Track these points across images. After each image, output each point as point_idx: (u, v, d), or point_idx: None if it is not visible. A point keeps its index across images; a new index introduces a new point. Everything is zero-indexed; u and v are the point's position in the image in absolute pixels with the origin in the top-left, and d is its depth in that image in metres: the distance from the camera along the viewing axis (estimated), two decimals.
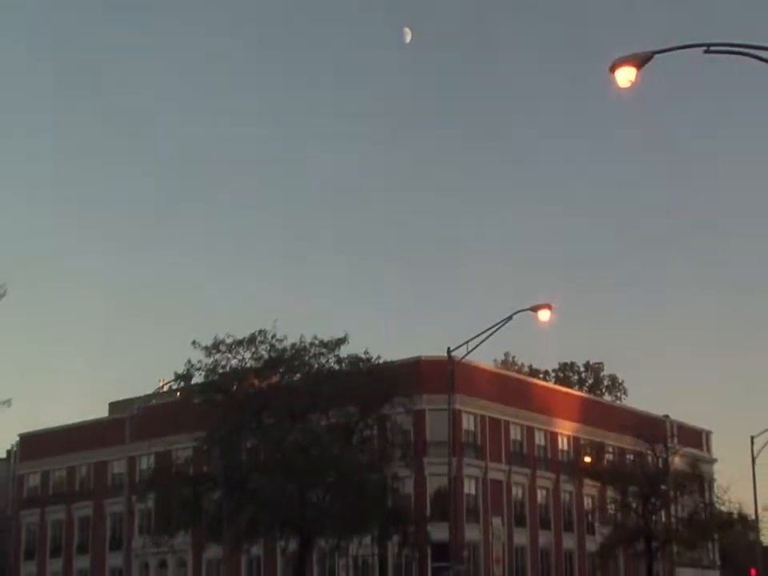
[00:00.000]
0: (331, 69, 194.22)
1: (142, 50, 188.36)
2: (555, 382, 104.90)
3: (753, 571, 77.01)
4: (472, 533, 72.69)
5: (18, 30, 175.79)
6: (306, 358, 54.33)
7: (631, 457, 77.48)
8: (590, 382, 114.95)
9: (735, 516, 75.11)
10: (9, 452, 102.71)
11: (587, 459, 76.28)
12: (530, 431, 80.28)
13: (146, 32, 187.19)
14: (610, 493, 75.61)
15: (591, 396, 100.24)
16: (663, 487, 69.56)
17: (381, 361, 56.46)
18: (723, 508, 74.02)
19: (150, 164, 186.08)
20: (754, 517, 73.31)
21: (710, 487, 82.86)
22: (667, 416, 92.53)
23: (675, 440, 79.98)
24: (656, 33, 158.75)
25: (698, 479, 76.00)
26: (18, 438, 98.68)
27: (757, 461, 67.39)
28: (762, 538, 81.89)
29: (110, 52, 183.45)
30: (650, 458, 72.44)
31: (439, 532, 58.60)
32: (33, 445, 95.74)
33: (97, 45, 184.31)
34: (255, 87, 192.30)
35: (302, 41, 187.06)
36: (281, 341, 54.11)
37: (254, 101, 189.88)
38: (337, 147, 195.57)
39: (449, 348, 48.09)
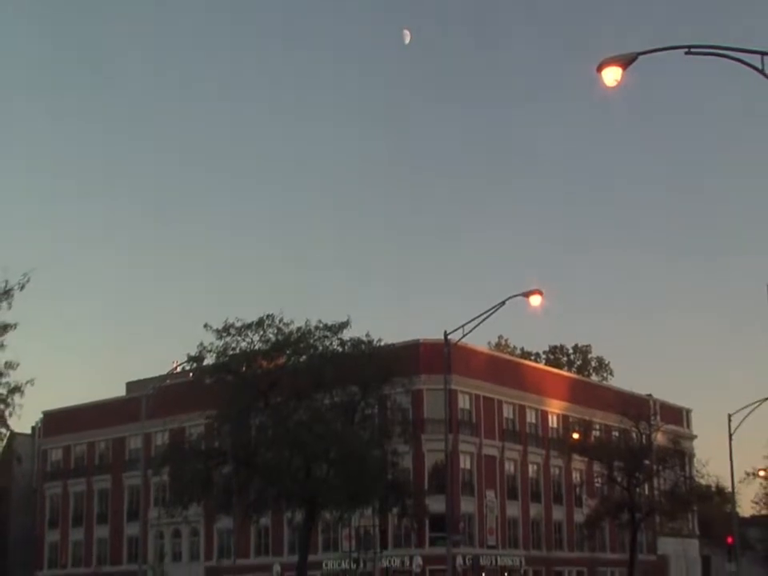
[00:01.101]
0: (332, 65, 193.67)
1: (143, 44, 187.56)
2: (546, 364, 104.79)
3: (729, 540, 76.99)
4: (467, 505, 72.74)
5: (17, 15, 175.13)
6: (311, 340, 54.12)
7: (617, 433, 77.46)
8: (579, 363, 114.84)
9: (713, 489, 75.16)
10: (33, 428, 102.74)
11: (575, 436, 76.19)
12: (521, 410, 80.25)
13: (147, 27, 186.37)
14: (596, 467, 75.61)
15: (579, 377, 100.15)
16: (646, 462, 69.52)
17: (381, 343, 56.27)
18: (702, 481, 74.06)
19: (156, 153, 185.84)
20: (730, 489, 73.22)
21: (690, 462, 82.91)
22: (650, 395, 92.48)
23: (658, 418, 80.00)
24: (660, 34, 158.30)
25: (679, 454, 76.01)
26: (41, 415, 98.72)
27: (733, 437, 67.17)
28: (738, 509, 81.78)
29: (110, 41, 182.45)
30: (634, 435, 72.38)
31: (436, 504, 58.66)
32: (55, 421, 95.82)
33: (98, 29, 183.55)
34: (255, 82, 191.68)
35: (302, 39, 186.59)
36: (287, 325, 53.93)
37: (254, 94, 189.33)
38: (337, 138, 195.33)
39: (445, 331, 47.87)
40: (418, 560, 69.84)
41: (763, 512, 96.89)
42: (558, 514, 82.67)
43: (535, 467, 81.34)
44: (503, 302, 44.43)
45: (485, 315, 44.90)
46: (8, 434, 42.93)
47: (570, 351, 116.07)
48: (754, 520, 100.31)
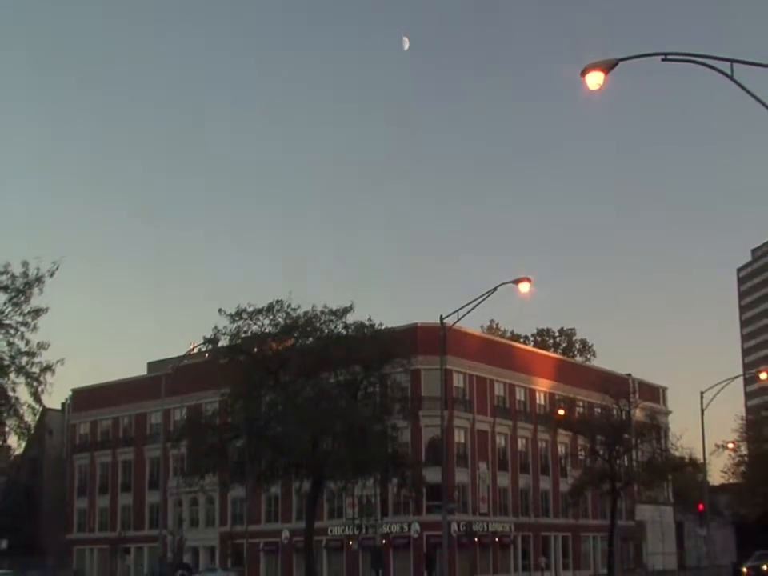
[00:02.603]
0: (332, 65, 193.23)
1: (141, 45, 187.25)
2: (534, 346, 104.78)
3: (700, 506, 76.96)
4: (461, 476, 72.80)
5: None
6: (317, 324, 53.80)
7: (599, 410, 77.30)
8: (564, 345, 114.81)
9: (686, 460, 75.06)
10: (63, 404, 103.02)
11: (561, 412, 76.06)
12: (511, 388, 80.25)
13: (147, 26, 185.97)
14: (580, 441, 75.60)
15: (565, 358, 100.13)
16: (626, 436, 69.41)
17: (382, 327, 55.98)
18: (676, 453, 73.91)
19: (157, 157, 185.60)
20: (702, 461, 73.16)
21: (666, 435, 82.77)
22: (629, 375, 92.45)
23: (636, 395, 79.85)
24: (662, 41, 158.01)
25: (656, 429, 75.91)
26: (71, 392, 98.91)
27: (705, 412, 67.02)
28: (709, 479, 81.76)
29: (110, 39, 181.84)
30: (614, 411, 72.24)
31: (433, 475, 58.57)
32: (83, 398, 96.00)
33: (102, 28, 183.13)
34: (255, 81, 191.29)
35: (302, 42, 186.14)
36: (295, 309, 53.58)
37: (254, 91, 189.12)
38: (337, 130, 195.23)
39: (441, 316, 47.69)
40: (416, 526, 70.07)
41: (731, 481, 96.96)
42: (545, 483, 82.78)
43: (524, 441, 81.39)
44: (495, 289, 44.16)
45: (477, 301, 44.70)
46: (40, 409, 42.87)
47: (556, 334, 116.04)
48: (723, 488, 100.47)
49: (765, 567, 66.27)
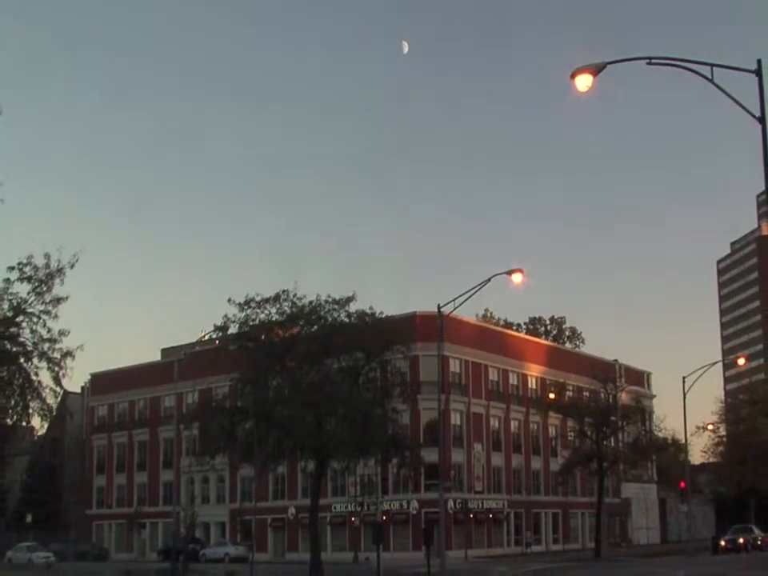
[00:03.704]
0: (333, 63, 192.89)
1: (143, 44, 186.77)
2: (526, 333, 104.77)
3: (682, 484, 77.12)
4: (457, 456, 72.88)
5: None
6: (321, 313, 53.57)
7: (587, 394, 77.48)
8: (554, 333, 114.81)
9: (669, 441, 75.25)
10: (82, 388, 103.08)
11: (552, 396, 76.20)
12: (505, 373, 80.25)
13: (149, 23, 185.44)
14: (569, 423, 75.67)
15: (555, 344, 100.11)
16: (612, 418, 69.53)
17: (383, 315, 55.84)
18: (660, 435, 74.09)
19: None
20: (684, 441, 73.28)
21: (650, 418, 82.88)
22: (616, 360, 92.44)
23: (622, 380, 79.93)
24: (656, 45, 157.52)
25: (641, 411, 76.08)
26: (89, 377, 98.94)
27: (687, 396, 67.06)
28: (690, 458, 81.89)
29: (109, 34, 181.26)
30: (602, 395, 72.41)
31: (430, 455, 58.62)
32: (101, 382, 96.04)
33: (102, 28, 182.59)
34: (255, 73, 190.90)
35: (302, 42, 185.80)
36: (300, 299, 53.32)
37: (253, 82, 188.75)
38: (334, 125, 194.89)
39: (439, 305, 47.70)
40: (415, 504, 70.14)
41: (711, 460, 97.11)
42: (536, 463, 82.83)
43: (517, 423, 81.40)
44: (489, 279, 44.11)
45: (473, 290, 44.70)
46: (61, 392, 42.87)
47: (547, 322, 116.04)
48: (704, 467, 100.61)
49: (741, 540, 66.69)
